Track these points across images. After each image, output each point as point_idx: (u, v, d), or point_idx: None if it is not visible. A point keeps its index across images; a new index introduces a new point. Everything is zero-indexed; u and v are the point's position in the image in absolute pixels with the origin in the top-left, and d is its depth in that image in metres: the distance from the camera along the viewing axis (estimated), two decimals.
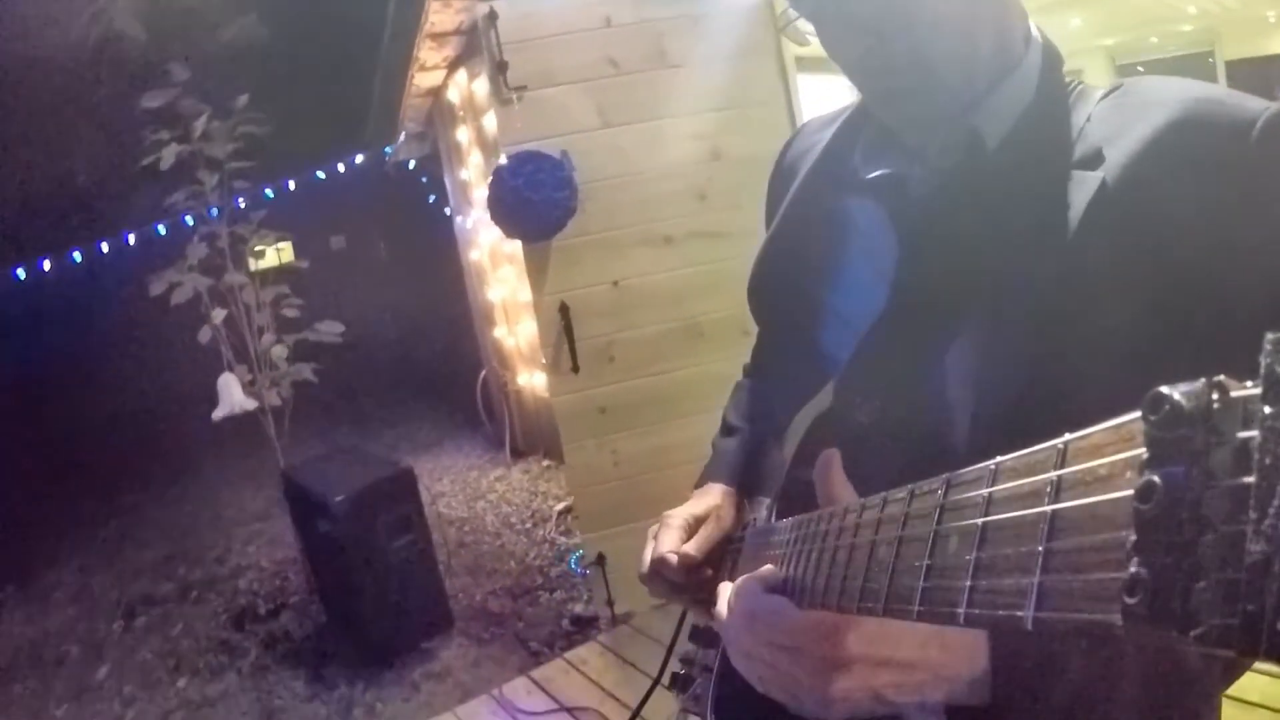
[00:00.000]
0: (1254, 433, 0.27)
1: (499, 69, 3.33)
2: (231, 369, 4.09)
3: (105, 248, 8.28)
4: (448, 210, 7.33)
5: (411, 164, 7.92)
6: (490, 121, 4.21)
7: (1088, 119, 0.73)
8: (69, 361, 12.58)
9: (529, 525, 5.05)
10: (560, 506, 5.05)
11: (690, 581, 0.97)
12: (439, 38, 5.49)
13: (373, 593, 3.63)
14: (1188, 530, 0.28)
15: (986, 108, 0.77)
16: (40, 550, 6.29)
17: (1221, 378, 0.29)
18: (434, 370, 9.76)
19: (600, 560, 3.54)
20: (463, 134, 6.10)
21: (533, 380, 5.84)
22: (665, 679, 1.07)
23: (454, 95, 6.10)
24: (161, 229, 7.52)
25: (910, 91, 0.76)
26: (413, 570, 3.74)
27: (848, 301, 0.86)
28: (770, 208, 1.06)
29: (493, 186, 3.32)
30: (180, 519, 6.55)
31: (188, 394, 6.19)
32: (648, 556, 0.99)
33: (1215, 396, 0.28)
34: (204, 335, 4.07)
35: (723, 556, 0.99)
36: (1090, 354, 0.63)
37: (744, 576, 0.71)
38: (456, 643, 3.80)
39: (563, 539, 4.70)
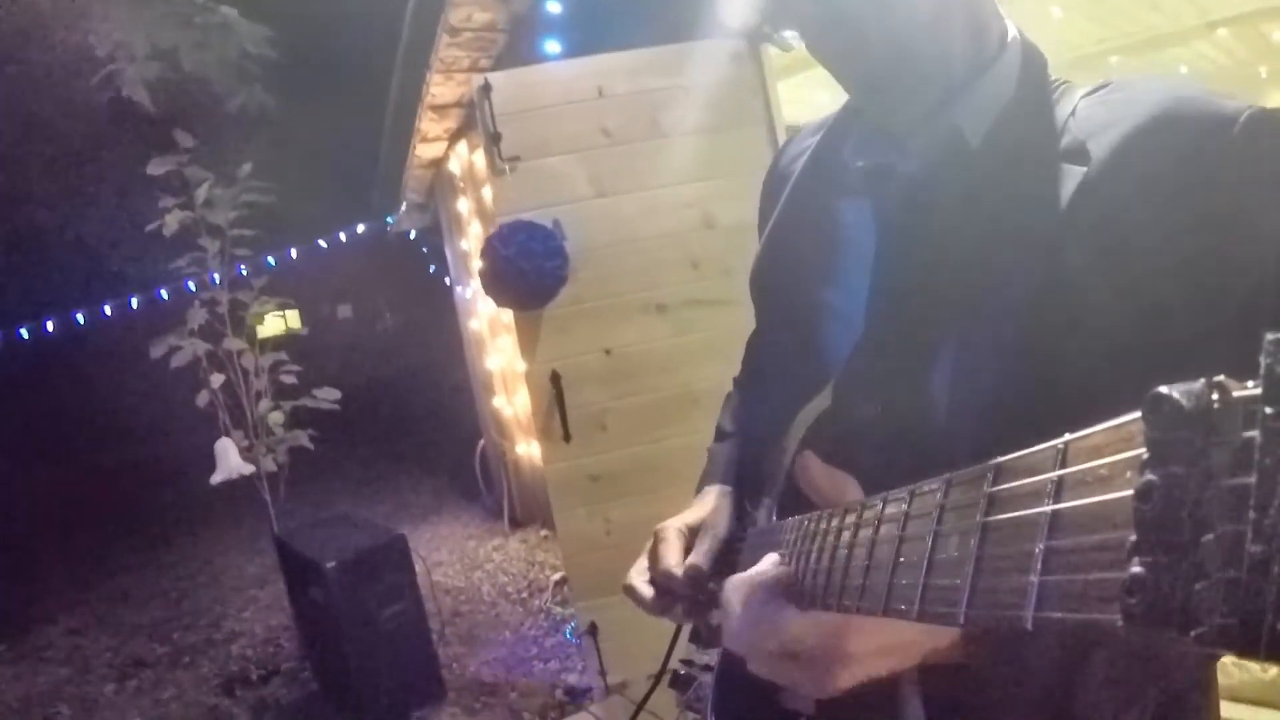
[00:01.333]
0: (1254, 433, 0.27)
1: (493, 140, 3.39)
2: (229, 434, 4.09)
3: (108, 310, 8.31)
4: (448, 280, 7.38)
5: (413, 234, 7.99)
6: (489, 193, 4.28)
7: (1071, 114, 0.75)
8: (69, 422, 12.56)
9: (525, 595, 4.99)
10: (556, 577, 4.98)
11: (698, 594, 0.95)
12: (440, 110, 5.60)
13: (364, 661, 3.56)
14: (1188, 530, 0.28)
15: (965, 103, 0.79)
16: (35, 608, 6.24)
17: (1221, 378, 0.29)
18: (433, 439, 9.75)
19: (593, 630, 3.48)
20: (463, 204, 6.17)
21: (530, 450, 5.81)
22: (665, 679, 1.05)
23: (455, 166, 6.19)
24: (164, 294, 7.56)
25: (888, 77, 0.78)
26: (405, 639, 3.68)
27: (845, 300, 0.86)
28: (764, 212, 1.07)
29: (484, 256, 3.34)
30: (177, 582, 6.48)
31: (187, 457, 6.17)
32: (642, 571, 0.98)
33: (1215, 397, 0.28)
34: (202, 399, 4.08)
35: (724, 560, 0.98)
36: (1077, 349, 0.64)
37: (745, 575, 0.71)
38: (448, 713, 3.72)
39: (559, 609, 4.64)
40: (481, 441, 6.81)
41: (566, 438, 3.45)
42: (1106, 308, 0.65)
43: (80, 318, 8.38)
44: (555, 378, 3.43)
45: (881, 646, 0.61)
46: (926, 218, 0.80)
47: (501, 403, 6.30)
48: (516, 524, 6.34)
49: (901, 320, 0.79)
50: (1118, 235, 0.67)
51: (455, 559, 5.91)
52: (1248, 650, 0.26)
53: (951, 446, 0.67)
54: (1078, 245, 0.67)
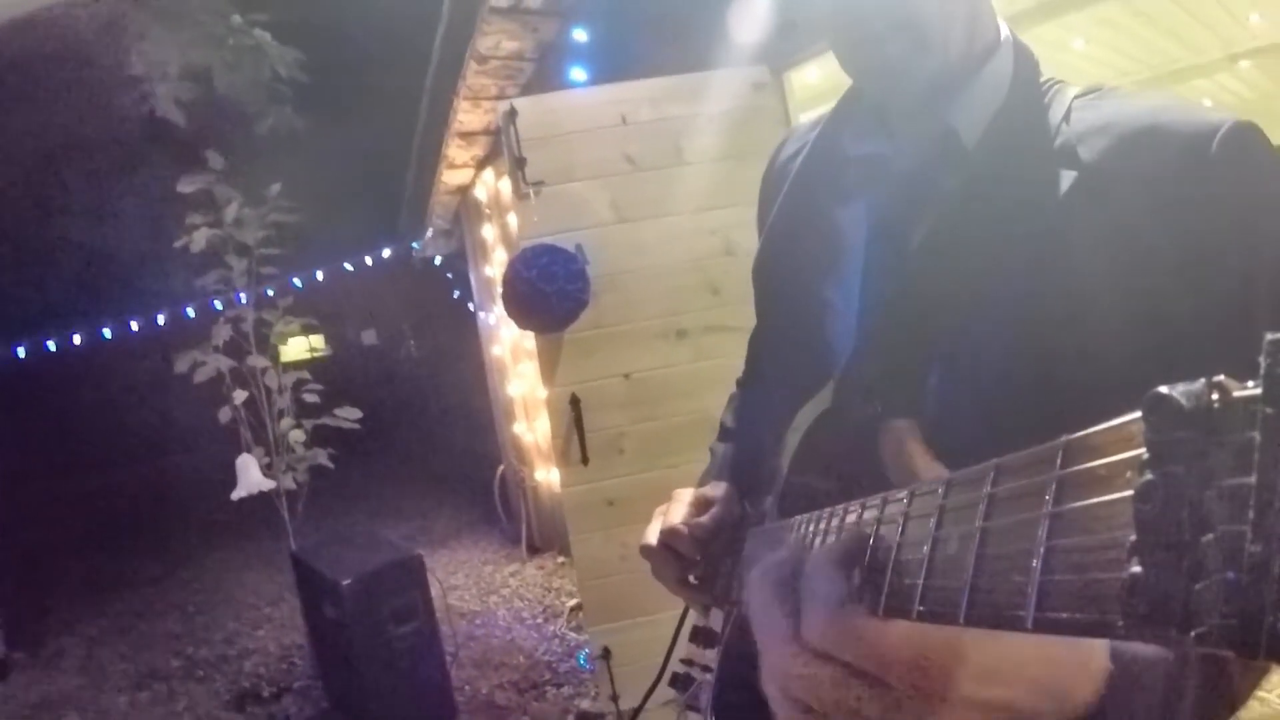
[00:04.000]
0: (1254, 433, 0.27)
1: (518, 164, 3.42)
2: (249, 450, 4.12)
3: (135, 325, 8.41)
4: (471, 306, 7.43)
5: (438, 259, 8.05)
6: (514, 219, 4.33)
7: (1065, 118, 0.76)
8: (92, 434, 12.69)
9: (540, 620, 4.98)
10: (572, 603, 4.97)
11: (700, 556, 0.96)
12: (467, 136, 5.66)
13: (377, 679, 3.56)
14: (1188, 530, 0.28)
15: (960, 102, 0.80)
16: (53, 617, 6.30)
17: (1221, 378, 0.29)
18: (454, 464, 9.78)
19: (606, 654, 3.46)
20: (488, 231, 6.22)
21: (549, 476, 5.81)
22: (665, 679, 1.05)
23: (481, 193, 6.25)
24: (190, 311, 7.65)
25: (897, 54, 0.78)
26: (418, 659, 3.67)
27: (846, 298, 0.87)
28: (763, 208, 1.08)
29: (506, 278, 3.37)
30: (194, 597, 6.53)
31: (208, 473, 6.24)
32: (655, 529, 0.98)
33: (1215, 396, 0.28)
34: (224, 415, 4.12)
35: (730, 547, 0.98)
36: (1070, 349, 0.65)
37: (813, 559, 0.51)
38: None
39: (573, 634, 4.62)
40: (501, 467, 6.82)
41: (585, 461, 3.45)
42: (1098, 308, 0.67)
43: (106, 332, 8.48)
44: (575, 401, 3.44)
45: (995, 699, 0.47)
46: (921, 218, 0.81)
47: (522, 429, 6.31)
48: (534, 550, 6.34)
49: (898, 321, 0.79)
50: (1106, 238, 0.68)
51: (471, 583, 5.91)
52: (1248, 650, 0.26)
53: (948, 447, 0.67)
54: (1069, 247, 0.69)
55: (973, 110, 0.80)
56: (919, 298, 0.78)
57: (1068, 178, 0.71)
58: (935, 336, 0.75)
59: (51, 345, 8.72)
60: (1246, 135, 0.68)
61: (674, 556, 0.97)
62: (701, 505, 1.00)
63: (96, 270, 10.53)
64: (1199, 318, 0.64)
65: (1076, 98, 0.78)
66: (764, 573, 0.52)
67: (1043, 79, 0.82)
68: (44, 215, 10.03)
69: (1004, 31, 0.85)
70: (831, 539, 0.56)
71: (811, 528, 0.64)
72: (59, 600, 6.73)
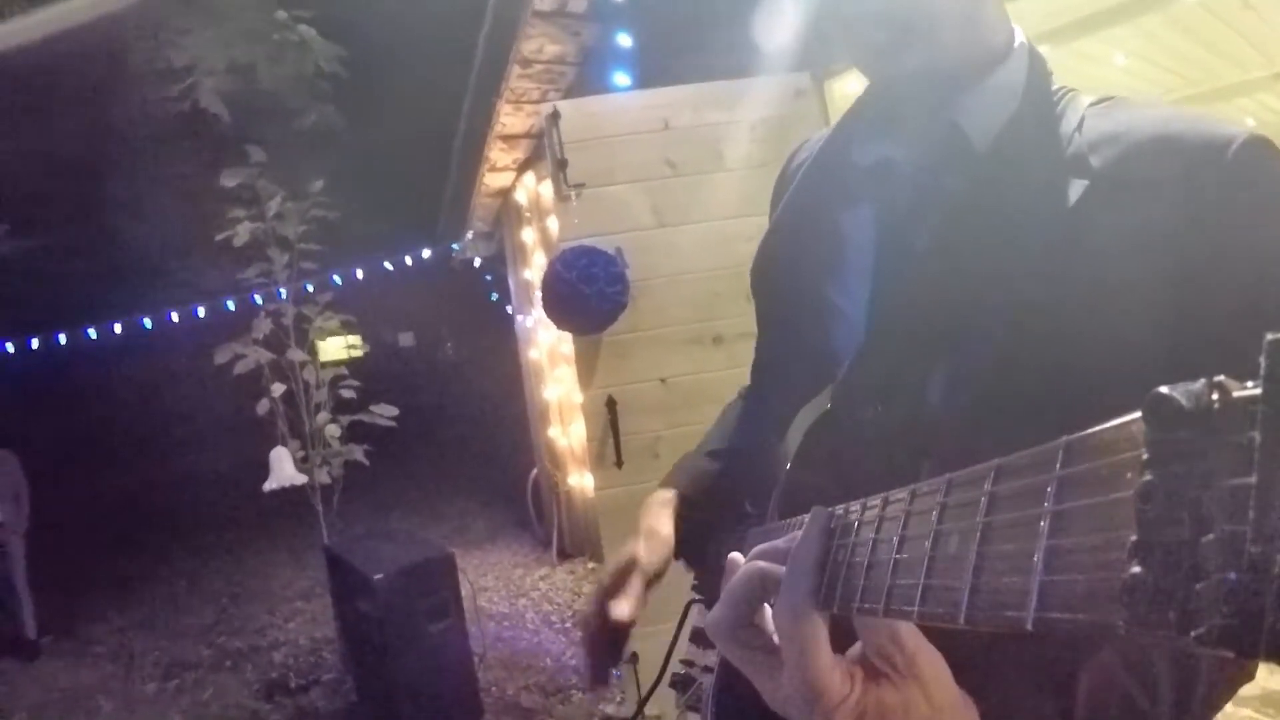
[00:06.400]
0: (1254, 433, 0.27)
1: (559, 166, 3.44)
2: (285, 443, 4.17)
3: (175, 317, 8.57)
4: (509, 309, 7.47)
5: (477, 262, 8.11)
6: (554, 223, 4.36)
7: (1078, 126, 0.76)
8: (131, 424, 12.91)
9: (568, 625, 5.00)
10: None
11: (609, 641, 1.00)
12: (510, 140, 5.70)
13: (405, 674, 3.60)
14: (1188, 531, 0.28)
15: (967, 104, 0.80)
16: (86, 604, 6.44)
17: (1222, 378, 0.29)
18: (488, 468, 9.84)
19: (633, 659, 3.45)
20: (528, 234, 6.26)
21: (583, 481, 5.83)
22: (666, 679, 1.06)
23: (522, 196, 6.29)
24: (230, 304, 7.77)
25: (885, 42, 0.79)
26: (446, 656, 3.70)
27: (849, 302, 0.87)
28: (773, 213, 1.08)
29: (546, 278, 3.39)
30: (226, 588, 6.65)
31: (243, 466, 6.32)
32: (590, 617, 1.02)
33: (1216, 397, 0.28)
34: (262, 408, 4.18)
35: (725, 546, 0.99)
36: (1073, 355, 0.65)
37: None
38: None
39: None
40: (534, 471, 6.85)
41: (619, 464, 3.45)
42: (1105, 315, 0.66)
43: (147, 322, 8.64)
44: (611, 403, 3.45)
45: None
46: (929, 221, 0.81)
47: (557, 433, 6.33)
48: (565, 555, 6.36)
49: (902, 324, 0.79)
50: (1115, 246, 0.68)
51: (501, 585, 5.95)
52: (1247, 650, 0.26)
53: (950, 448, 0.67)
54: (1078, 255, 0.69)
55: (983, 114, 0.80)
56: (924, 300, 0.78)
57: (1079, 186, 0.71)
58: (939, 339, 0.75)
59: (92, 333, 8.90)
60: (1262, 148, 0.68)
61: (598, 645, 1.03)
62: (622, 577, 1.03)
63: (138, 263, 10.72)
64: (1207, 326, 0.63)
65: (1090, 106, 0.78)
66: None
67: (1055, 87, 0.82)
68: (87, 206, 10.24)
69: (1018, 38, 0.85)
70: (830, 541, 0.56)
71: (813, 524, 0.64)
72: (92, 590, 6.87)
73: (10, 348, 9.42)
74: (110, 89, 8.63)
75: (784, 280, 0.99)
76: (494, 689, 4.14)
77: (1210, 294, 0.65)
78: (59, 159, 9.54)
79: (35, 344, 9.42)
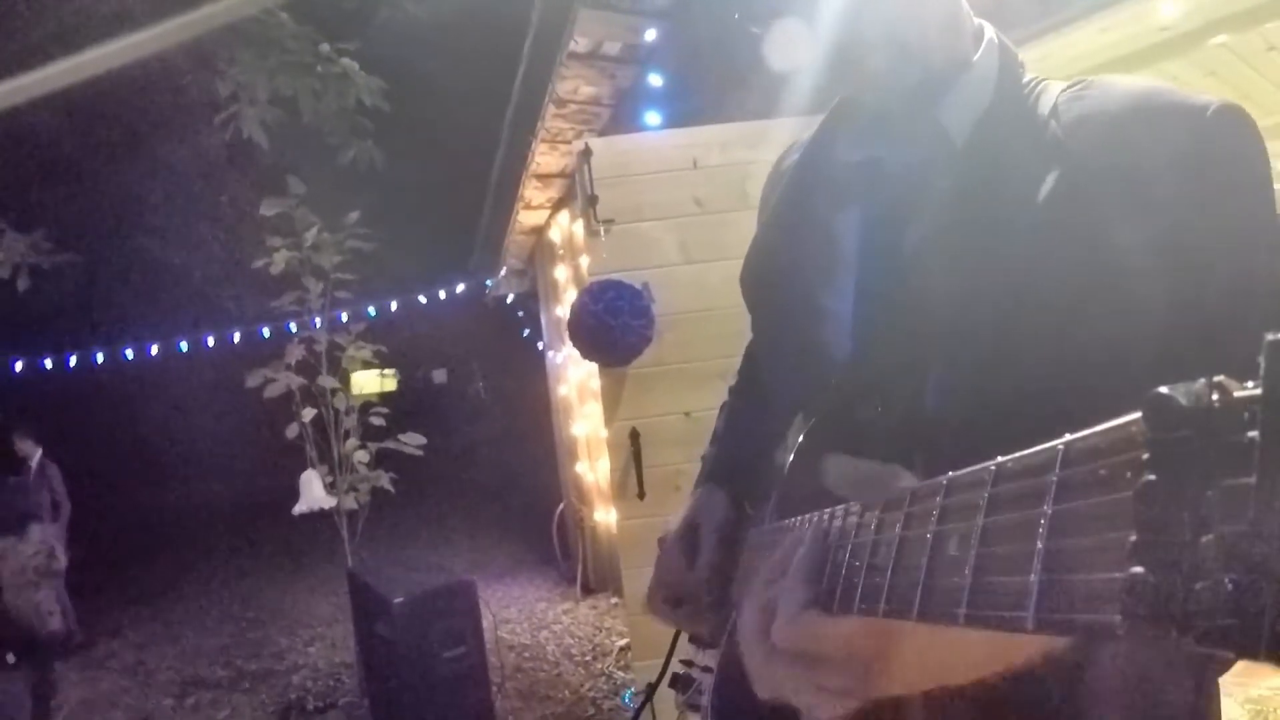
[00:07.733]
0: (1254, 433, 0.27)
1: (590, 202, 3.48)
2: (314, 467, 4.20)
3: (210, 341, 8.69)
4: (540, 345, 7.51)
5: (510, 298, 8.15)
6: (586, 260, 4.40)
7: (1053, 112, 0.76)
8: (160, 443, 13.03)
9: (589, 658, 4.96)
10: (622, 643, 4.94)
11: (716, 592, 0.97)
12: (544, 178, 5.76)
13: (421, 700, 3.58)
14: (1188, 531, 0.28)
15: (948, 103, 0.81)
16: (104, 619, 6.47)
17: (1221, 378, 0.29)
18: (515, 502, 9.84)
19: (648, 690, 3.42)
20: (561, 272, 6.30)
21: (608, 517, 5.81)
22: (665, 679, 1.05)
23: (555, 234, 6.34)
24: (265, 332, 7.86)
25: (883, 67, 0.81)
26: (464, 683, 3.69)
27: (843, 304, 0.87)
28: (761, 215, 1.09)
29: (574, 309, 3.41)
30: (247, 610, 6.67)
31: (271, 487, 6.37)
32: (656, 588, 1.02)
33: (1215, 397, 0.28)
34: (291, 431, 4.21)
35: (730, 554, 0.98)
36: (1068, 344, 0.65)
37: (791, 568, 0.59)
38: None
39: (621, 673, 4.59)
40: (561, 506, 6.84)
41: (641, 495, 3.45)
42: (1094, 301, 0.66)
43: (184, 345, 8.75)
44: (634, 435, 3.45)
45: (931, 661, 0.56)
46: (916, 221, 0.81)
47: (584, 468, 6.33)
48: (589, 590, 6.33)
49: (896, 323, 0.79)
50: (1099, 226, 0.68)
51: (523, 617, 5.93)
52: (1247, 650, 0.26)
53: (947, 449, 0.67)
54: (1060, 241, 0.69)
55: (961, 109, 0.81)
56: (916, 299, 0.78)
57: (1055, 172, 0.71)
58: (933, 338, 0.75)
59: (130, 354, 9.03)
60: (1237, 112, 0.69)
61: (694, 604, 1.00)
62: (692, 538, 1.01)
63: (175, 286, 10.89)
64: (1195, 301, 0.63)
65: (1063, 92, 0.78)
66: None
67: (1027, 78, 0.83)
68: (128, 231, 10.45)
69: (988, 33, 0.86)
70: (830, 541, 0.57)
71: (810, 530, 0.64)
72: (113, 604, 6.91)
73: (50, 364, 9.58)
74: (167, 119, 8.84)
75: (776, 283, 0.99)
76: (511, 718, 4.12)
77: (1199, 264, 0.65)
78: (107, 182, 9.77)
79: (73, 362, 9.57)
